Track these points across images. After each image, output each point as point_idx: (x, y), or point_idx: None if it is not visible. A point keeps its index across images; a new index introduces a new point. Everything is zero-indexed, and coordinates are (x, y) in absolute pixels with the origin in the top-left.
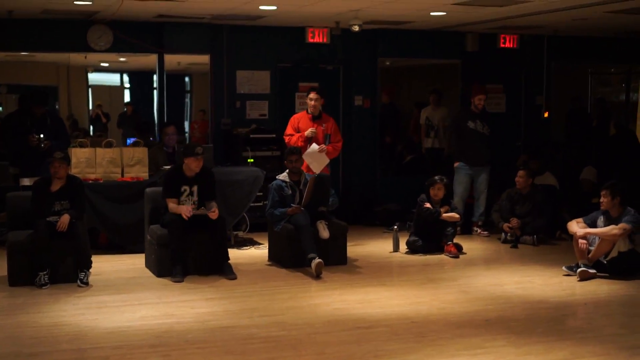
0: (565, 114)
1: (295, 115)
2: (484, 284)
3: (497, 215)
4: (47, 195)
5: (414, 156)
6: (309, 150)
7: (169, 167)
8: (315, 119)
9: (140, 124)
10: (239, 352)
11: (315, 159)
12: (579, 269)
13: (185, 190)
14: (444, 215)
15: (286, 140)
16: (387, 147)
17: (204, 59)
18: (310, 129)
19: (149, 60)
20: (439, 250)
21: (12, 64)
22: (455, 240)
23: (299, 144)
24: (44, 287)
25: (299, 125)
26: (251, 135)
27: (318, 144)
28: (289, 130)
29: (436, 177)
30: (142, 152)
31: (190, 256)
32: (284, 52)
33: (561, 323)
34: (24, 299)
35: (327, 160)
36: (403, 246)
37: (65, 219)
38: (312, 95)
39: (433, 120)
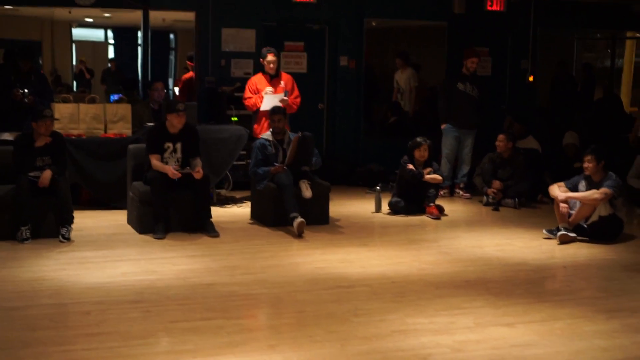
0: (551, 78)
1: (252, 78)
2: (465, 245)
3: (479, 179)
4: (29, 151)
5: (397, 118)
6: (274, 95)
7: (152, 123)
8: (272, 78)
9: (125, 80)
10: (219, 309)
11: (269, 101)
12: (559, 233)
13: (168, 147)
14: (427, 176)
15: (245, 104)
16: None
17: (190, 16)
18: (267, 88)
19: (134, 16)
20: (421, 211)
21: None
22: (437, 202)
23: (258, 105)
24: (25, 242)
25: (257, 86)
26: (235, 94)
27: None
28: (247, 93)
29: (420, 139)
30: (125, 109)
31: (173, 213)
32: (270, 10)
33: (540, 285)
34: (5, 253)
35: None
36: (385, 207)
37: (47, 174)
38: (271, 56)
39: (400, 82)
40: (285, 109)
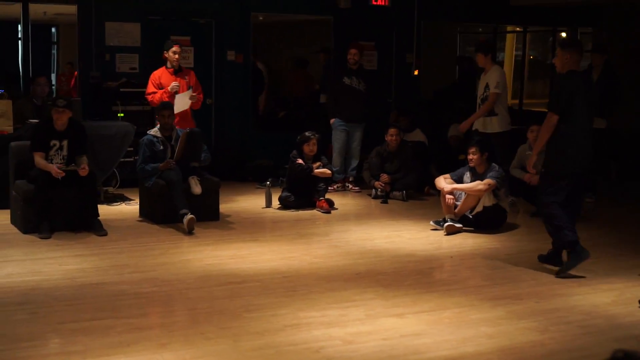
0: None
1: (154, 72)
2: (355, 238)
3: (367, 173)
4: None
5: (286, 112)
6: (181, 94)
7: (36, 120)
8: (177, 72)
9: (6, 75)
10: (109, 308)
11: (181, 102)
12: (446, 224)
13: (54, 144)
14: (316, 171)
15: (149, 99)
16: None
17: (71, 9)
18: (173, 83)
19: (13, 9)
20: (311, 205)
21: None
22: (327, 196)
23: (164, 99)
24: None
25: (161, 81)
26: (121, 89)
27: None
28: (150, 88)
29: (308, 133)
30: (6, 105)
31: (58, 212)
32: (155, 3)
33: (428, 276)
34: None
35: (187, 106)
36: (275, 202)
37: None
38: (176, 48)
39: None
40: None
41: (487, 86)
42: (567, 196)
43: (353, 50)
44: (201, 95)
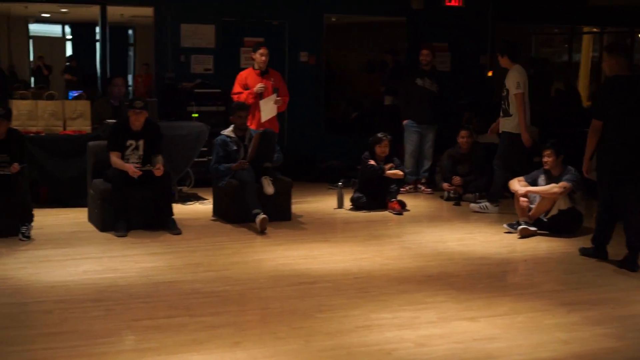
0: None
1: (241, 73)
2: (427, 240)
3: (438, 176)
4: None
5: (359, 113)
6: (267, 98)
7: (113, 120)
8: (263, 74)
9: (85, 76)
10: (182, 307)
11: (268, 108)
12: (520, 227)
13: (131, 144)
14: (388, 172)
15: (235, 99)
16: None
17: (148, 11)
18: (259, 85)
19: (91, 11)
20: (383, 207)
21: None
22: (399, 198)
23: (250, 101)
24: None
25: (247, 82)
26: (196, 90)
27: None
28: (236, 88)
29: (380, 135)
30: (84, 105)
31: (134, 211)
32: (229, 5)
33: (501, 279)
34: None
35: (275, 112)
36: (347, 203)
37: (16, 165)
38: (263, 50)
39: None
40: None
41: (506, 87)
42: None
43: (425, 51)
44: (287, 97)
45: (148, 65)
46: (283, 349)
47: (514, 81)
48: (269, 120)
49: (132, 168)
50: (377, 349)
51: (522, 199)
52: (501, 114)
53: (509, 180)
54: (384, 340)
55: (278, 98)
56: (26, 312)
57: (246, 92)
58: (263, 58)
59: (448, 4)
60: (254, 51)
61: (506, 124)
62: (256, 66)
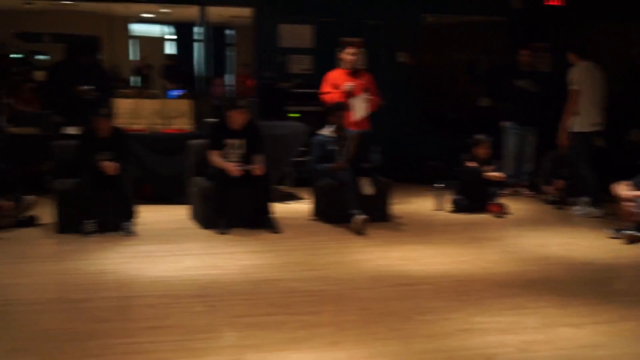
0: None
1: (330, 73)
2: (528, 244)
3: (540, 179)
4: (92, 146)
5: (457, 114)
6: (359, 96)
7: (213, 119)
8: (352, 73)
9: (187, 76)
10: (281, 304)
11: (360, 106)
12: (626, 232)
13: (231, 143)
14: (489, 174)
15: (323, 98)
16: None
17: (247, 11)
18: (348, 83)
19: (192, 12)
20: (483, 209)
21: (54, 13)
22: (500, 200)
23: (337, 98)
24: (90, 235)
25: (336, 81)
26: (294, 90)
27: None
28: (325, 87)
29: (481, 136)
30: (186, 104)
31: (235, 209)
32: (327, 6)
33: (606, 285)
34: (70, 246)
35: (366, 111)
36: (447, 204)
37: (113, 164)
38: (350, 49)
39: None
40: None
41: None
42: None
43: (524, 52)
44: (377, 98)
45: (247, 65)
46: (382, 350)
47: (570, 77)
48: (360, 121)
49: (231, 167)
50: (478, 353)
51: (627, 203)
52: None
53: (596, 179)
54: (485, 345)
55: (369, 98)
56: (130, 306)
57: (336, 91)
58: (349, 57)
59: (547, 3)
60: (342, 50)
61: (574, 124)
62: (345, 66)
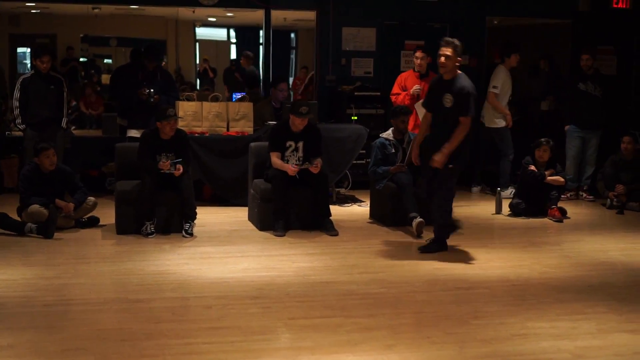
0: None
1: (401, 74)
2: (588, 249)
3: (601, 184)
4: (154, 148)
5: (518, 118)
6: (420, 102)
7: (274, 122)
8: (422, 77)
9: (248, 79)
10: (338, 307)
11: (423, 110)
12: None
13: (290, 145)
14: (549, 178)
15: (392, 100)
16: None
17: (310, 15)
18: (415, 86)
19: (256, 15)
20: (543, 213)
21: (121, 17)
22: (560, 204)
23: (406, 102)
24: (149, 237)
25: (406, 83)
26: (355, 93)
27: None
28: (395, 89)
29: (542, 139)
30: (247, 107)
31: (292, 211)
32: (391, 9)
33: None
34: (130, 247)
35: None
36: (506, 208)
37: (182, 168)
38: (419, 53)
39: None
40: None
41: None
42: None
43: (585, 56)
44: None
45: (306, 68)
46: (437, 354)
47: None
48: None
49: (290, 168)
50: (534, 359)
51: None
52: None
53: None
54: (540, 350)
55: None
56: (187, 307)
57: (403, 93)
58: (417, 61)
59: (615, 6)
60: (414, 53)
61: None
62: (416, 68)
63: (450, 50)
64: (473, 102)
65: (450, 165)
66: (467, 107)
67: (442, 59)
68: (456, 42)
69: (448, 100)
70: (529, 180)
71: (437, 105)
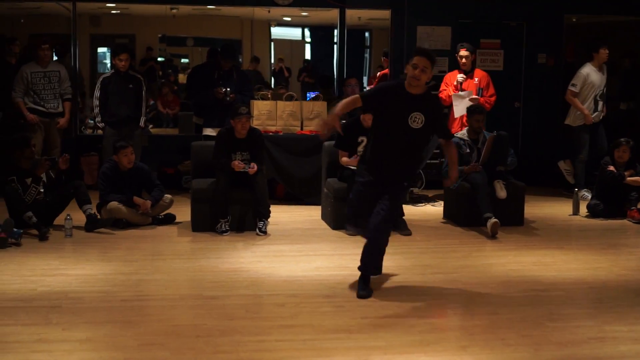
0: None
1: (448, 74)
2: None
3: None
4: (229, 146)
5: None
6: (461, 92)
7: (344, 121)
8: (466, 73)
9: (322, 78)
10: (410, 307)
11: (460, 104)
12: None
13: (362, 141)
14: (628, 179)
15: (439, 96)
16: None
17: (385, 14)
18: (460, 75)
19: (331, 15)
20: (622, 215)
21: (198, 17)
22: (639, 206)
23: (451, 94)
24: (224, 234)
25: (451, 80)
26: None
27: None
28: (442, 87)
29: (622, 139)
30: (321, 106)
31: (368, 210)
32: (466, 7)
33: None
34: (205, 244)
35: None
36: (583, 209)
37: (255, 166)
38: (463, 51)
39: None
40: (485, 109)
41: None
42: None
43: None
44: (492, 99)
45: (381, 68)
46: (511, 356)
47: None
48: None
49: (352, 162)
50: None
51: None
52: None
53: None
54: (618, 354)
55: (475, 96)
56: (260, 304)
57: (448, 88)
58: (463, 60)
59: None
60: (456, 52)
61: None
62: (461, 67)
63: (429, 63)
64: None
65: (406, 183)
66: (447, 130)
67: (417, 71)
68: (433, 54)
69: (418, 120)
70: (607, 180)
71: (399, 125)
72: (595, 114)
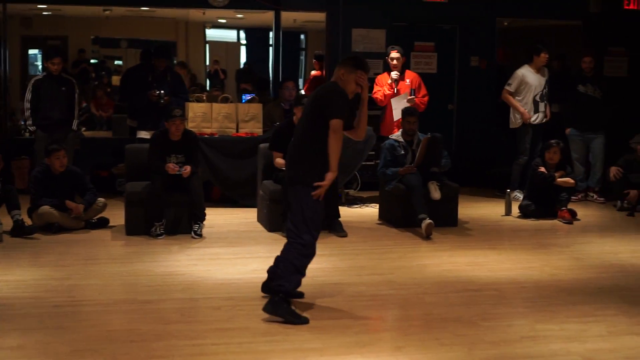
0: None
1: (379, 76)
2: (598, 251)
3: (616, 185)
4: (164, 149)
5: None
6: (398, 97)
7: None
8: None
9: (258, 80)
10: (346, 308)
11: (400, 107)
12: None
13: None
14: (559, 180)
15: (374, 97)
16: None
17: (320, 16)
18: (394, 72)
19: (266, 17)
20: (552, 215)
21: (132, 19)
22: (569, 206)
23: (387, 93)
24: (159, 238)
25: (382, 82)
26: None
27: (402, 90)
28: (375, 88)
29: (552, 141)
30: (257, 108)
31: None
32: (401, 10)
33: None
34: (139, 248)
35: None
36: (515, 210)
37: (189, 168)
38: (394, 53)
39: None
40: (418, 110)
41: None
42: None
43: (587, 59)
44: (425, 99)
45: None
46: (446, 356)
47: None
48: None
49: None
50: None
51: None
52: None
53: None
54: (550, 353)
55: (411, 97)
56: (196, 308)
57: (383, 87)
58: (394, 62)
59: (627, 7)
60: (387, 55)
61: None
62: (391, 69)
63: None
64: None
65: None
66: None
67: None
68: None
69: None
70: (538, 181)
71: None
72: (538, 115)
